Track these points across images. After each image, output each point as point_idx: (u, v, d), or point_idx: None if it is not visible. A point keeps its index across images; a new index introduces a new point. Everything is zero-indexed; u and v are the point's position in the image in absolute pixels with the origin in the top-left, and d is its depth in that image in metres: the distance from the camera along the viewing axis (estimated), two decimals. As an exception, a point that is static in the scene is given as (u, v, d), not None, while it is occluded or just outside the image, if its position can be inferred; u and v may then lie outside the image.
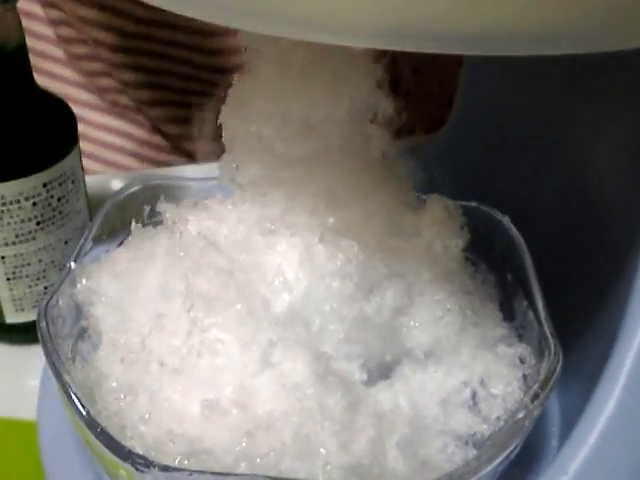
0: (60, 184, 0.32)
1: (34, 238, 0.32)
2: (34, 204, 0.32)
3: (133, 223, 0.26)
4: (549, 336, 0.24)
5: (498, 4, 0.16)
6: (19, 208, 0.31)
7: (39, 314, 0.23)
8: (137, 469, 0.19)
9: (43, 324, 0.22)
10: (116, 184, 0.44)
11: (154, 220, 0.27)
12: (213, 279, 0.21)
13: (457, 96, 0.40)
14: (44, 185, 0.32)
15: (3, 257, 0.32)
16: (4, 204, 0.31)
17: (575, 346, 0.30)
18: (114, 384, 0.22)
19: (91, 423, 0.20)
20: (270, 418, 0.20)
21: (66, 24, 0.49)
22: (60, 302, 0.24)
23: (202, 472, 0.19)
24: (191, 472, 0.19)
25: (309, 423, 0.20)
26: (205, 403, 0.20)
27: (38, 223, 0.32)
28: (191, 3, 0.18)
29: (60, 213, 0.33)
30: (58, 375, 0.21)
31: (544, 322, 0.25)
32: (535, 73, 0.33)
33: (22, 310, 0.34)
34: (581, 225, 0.31)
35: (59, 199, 0.32)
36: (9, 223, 0.31)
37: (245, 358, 0.21)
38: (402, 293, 0.24)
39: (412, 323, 0.24)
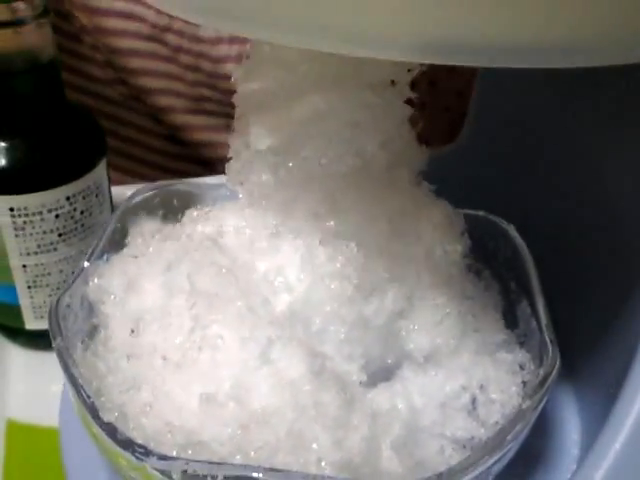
0: (84, 197, 0.33)
1: (55, 249, 0.33)
2: (57, 216, 0.32)
3: (144, 226, 0.27)
4: (548, 342, 0.24)
5: (536, 16, 0.16)
6: (41, 220, 0.32)
7: (50, 309, 0.24)
8: (137, 458, 0.20)
9: (53, 319, 0.23)
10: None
11: (166, 224, 0.28)
12: (215, 277, 0.22)
13: (471, 107, 0.40)
14: (67, 198, 0.32)
15: (25, 266, 0.33)
16: (27, 215, 0.32)
17: (594, 352, 0.30)
18: (119, 378, 0.23)
19: (95, 413, 0.21)
20: (265, 413, 0.20)
21: (79, 34, 0.50)
22: (73, 299, 0.25)
23: (198, 461, 0.19)
24: (187, 461, 0.19)
25: (303, 419, 0.20)
26: (203, 396, 0.21)
27: (60, 235, 0.33)
28: (217, 14, 0.18)
29: (82, 226, 0.34)
30: (66, 367, 0.22)
31: (545, 329, 0.25)
32: (550, 85, 0.33)
33: (42, 317, 0.35)
34: (597, 235, 0.31)
35: (82, 212, 0.33)
36: (31, 234, 0.32)
37: (244, 354, 0.21)
38: (402, 296, 0.24)
39: (412, 326, 0.24)
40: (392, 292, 0.24)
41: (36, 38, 0.30)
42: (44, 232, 0.32)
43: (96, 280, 0.26)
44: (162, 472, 0.20)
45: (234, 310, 0.22)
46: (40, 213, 0.32)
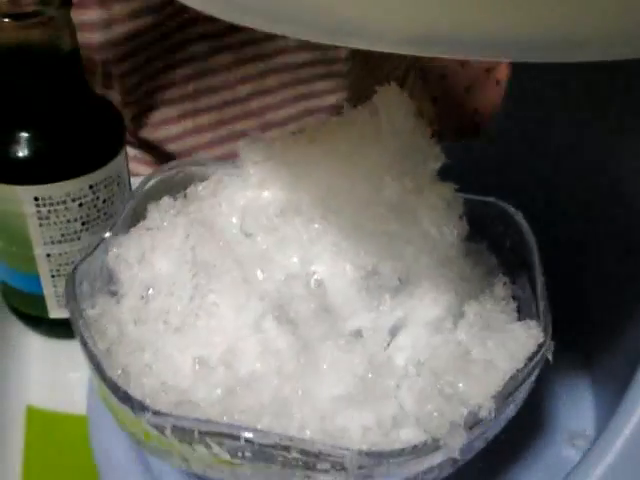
0: (106, 186, 0.33)
1: (79, 238, 0.33)
2: (80, 205, 0.32)
3: (162, 201, 0.28)
4: (542, 326, 0.24)
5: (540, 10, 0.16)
6: (66, 209, 0.32)
7: (68, 275, 0.25)
8: (134, 412, 0.22)
9: (69, 283, 0.25)
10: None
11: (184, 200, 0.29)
12: (215, 249, 0.23)
13: (504, 98, 0.40)
14: (90, 187, 0.32)
15: (49, 255, 0.33)
16: (51, 204, 0.32)
17: (610, 342, 0.30)
18: (126, 340, 0.24)
19: (101, 370, 0.23)
20: (250, 378, 0.21)
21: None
22: (93, 267, 0.27)
23: (187, 418, 0.21)
24: (177, 418, 0.21)
25: (288, 387, 0.22)
26: (196, 360, 0.22)
27: (83, 223, 0.33)
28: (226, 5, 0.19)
29: (105, 214, 0.34)
30: (76, 328, 0.24)
31: (541, 315, 0.25)
32: (587, 78, 0.32)
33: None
34: (615, 226, 0.31)
35: (104, 201, 0.33)
36: (55, 223, 0.32)
37: (237, 322, 0.22)
38: (398, 273, 0.25)
39: (407, 305, 0.25)
40: (389, 269, 0.24)
41: (59, 28, 0.30)
42: (68, 221, 0.33)
43: (115, 250, 0.27)
44: (156, 427, 0.21)
45: (229, 280, 0.23)
46: (64, 202, 0.32)
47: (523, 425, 0.30)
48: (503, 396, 0.21)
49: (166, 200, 0.28)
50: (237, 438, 0.20)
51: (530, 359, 0.22)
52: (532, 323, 0.24)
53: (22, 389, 0.34)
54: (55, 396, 0.34)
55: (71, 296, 0.25)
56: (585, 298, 0.32)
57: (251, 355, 0.22)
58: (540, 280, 0.26)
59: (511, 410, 0.23)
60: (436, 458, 0.21)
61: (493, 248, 0.30)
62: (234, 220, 0.25)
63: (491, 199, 0.30)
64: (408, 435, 0.22)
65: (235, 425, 0.20)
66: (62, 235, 0.33)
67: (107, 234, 0.28)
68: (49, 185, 0.31)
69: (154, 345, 0.24)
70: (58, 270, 0.34)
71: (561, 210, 0.34)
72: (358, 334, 0.23)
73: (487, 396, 0.21)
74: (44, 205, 0.32)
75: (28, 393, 0.34)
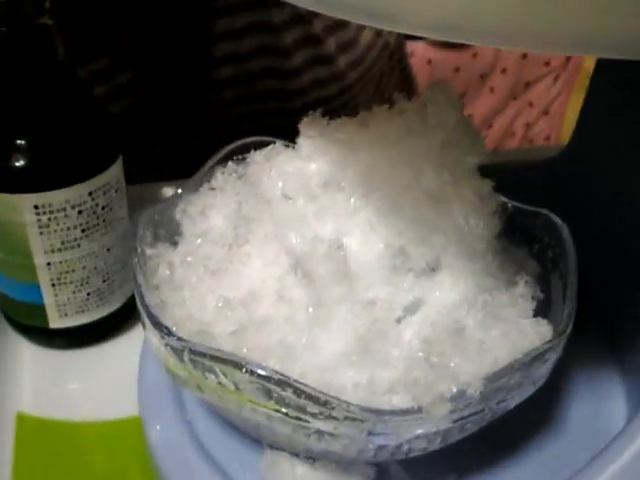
0: (104, 192, 0.33)
1: (79, 245, 0.33)
2: (80, 212, 0.32)
3: (229, 164, 0.31)
4: (558, 328, 0.25)
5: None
6: (65, 216, 0.32)
7: (133, 217, 0.29)
8: (161, 336, 0.24)
9: (133, 224, 0.28)
10: (156, 193, 0.44)
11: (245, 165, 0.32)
12: (256, 206, 0.26)
13: (579, 117, 0.40)
14: (90, 194, 0.32)
15: (49, 264, 0.33)
16: (51, 212, 0.32)
17: None
18: (171, 279, 0.27)
19: (142, 298, 0.26)
20: (262, 321, 0.24)
21: None
22: (161, 216, 0.30)
23: (201, 345, 0.23)
24: (194, 344, 0.23)
25: (295, 334, 0.23)
26: (220, 298, 0.25)
27: (83, 231, 0.33)
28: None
29: (104, 221, 0.34)
30: (132, 263, 0.27)
31: (564, 318, 0.25)
32: None
33: (66, 315, 0.35)
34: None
35: (103, 207, 0.33)
36: (55, 230, 0.32)
37: (263, 272, 0.25)
38: (426, 259, 0.26)
39: (429, 286, 0.26)
40: (418, 252, 0.26)
41: (53, 36, 0.30)
42: (68, 228, 0.32)
43: (182, 205, 0.31)
44: (175, 350, 0.24)
45: (263, 234, 0.25)
46: (64, 209, 0.32)
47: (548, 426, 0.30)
48: (493, 379, 0.22)
49: (230, 165, 0.30)
50: (241, 368, 0.22)
51: (530, 353, 0.23)
52: (543, 321, 0.24)
53: (13, 395, 0.35)
54: (46, 403, 0.34)
55: (133, 234, 0.28)
56: (618, 298, 0.32)
57: (267, 301, 0.24)
58: (572, 288, 0.26)
59: (507, 402, 0.23)
60: (420, 425, 0.22)
61: (537, 256, 0.30)
62: (279, 184, 0.27)
63: (543, 210, 0.31)
64: (399, 401, 0.23)
65: (240, 357, 0.22)
66: (62, 243, 0.33)
67: (178, 190, 0.32)
68: (49, 193, 0.31)
69: (192, 284, 0.26)
70: (59, 278, 0.34)
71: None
72: (372, 304, 0.25)
73: (477, 376, 0.22)
74: (44, 213, 0.32)
75: (19, 399, 0.34)
